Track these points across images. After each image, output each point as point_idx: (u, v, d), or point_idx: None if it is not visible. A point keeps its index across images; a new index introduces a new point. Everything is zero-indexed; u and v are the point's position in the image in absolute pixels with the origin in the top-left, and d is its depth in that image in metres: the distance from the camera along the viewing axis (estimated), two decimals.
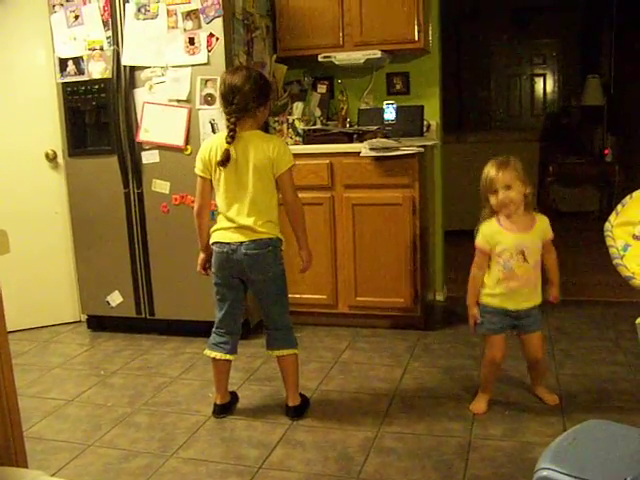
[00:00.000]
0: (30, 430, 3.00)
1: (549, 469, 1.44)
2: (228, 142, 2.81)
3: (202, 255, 3.05)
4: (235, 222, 2.88)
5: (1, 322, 1.48)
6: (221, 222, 2.93)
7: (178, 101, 3.96)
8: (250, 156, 2.84)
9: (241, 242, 2.87)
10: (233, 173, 2.86)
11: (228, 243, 2.89)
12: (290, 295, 3.12)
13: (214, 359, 3.07)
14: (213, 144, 2.90)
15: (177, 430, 2.98)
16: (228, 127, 2.82)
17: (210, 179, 2.92)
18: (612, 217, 1.30)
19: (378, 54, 4.29)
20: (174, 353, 3.98)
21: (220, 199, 2.91)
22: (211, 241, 2.97)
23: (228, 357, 3.06)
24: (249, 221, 2.86)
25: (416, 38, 4.26)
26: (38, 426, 3.08)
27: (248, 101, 2.81)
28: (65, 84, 4.15)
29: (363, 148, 3.94)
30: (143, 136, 4.05)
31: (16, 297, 4.36)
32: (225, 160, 2.82)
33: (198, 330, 4.08)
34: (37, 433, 2.99)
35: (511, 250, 2.86)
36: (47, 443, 2.90)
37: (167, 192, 4.07)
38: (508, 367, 3.53)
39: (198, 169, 2.94)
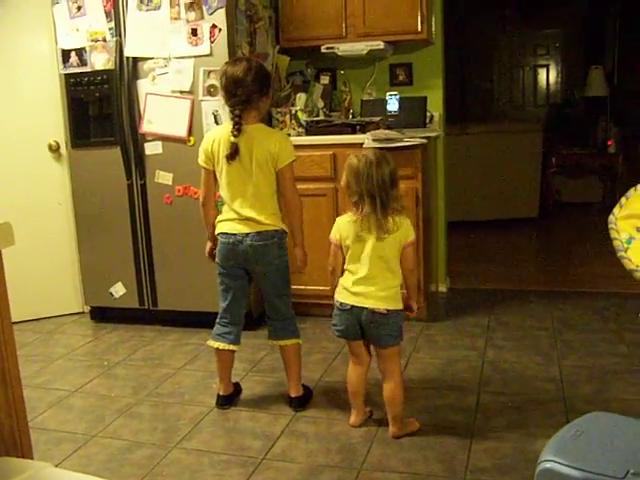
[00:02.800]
0: (34, 421, 3.01)
1: (552, 461, 1.44)
2: (235, 135, 2.81)
3: (209, 244, 3.06)
4: (240, 214, 2.88)
5: (6, 312, 1.48)
6: (226, 213, 2.94)
7: (181, 92, 3.95)
8: (253, 151, 2.84)
9: (247, 234, 2.88)
10: (236, 166, 2.86)
11: (234, 234, 2.90)
12: (294, 286, 3.13)
13: (217, 349, 3.07)
14: (216, 136, 2.90)
15: (180, 421, 2.99)
16: (233, 120, 2.82)
17: (213, 170, 2.93)
18: (616, 210, 1.29)
19: (381, 45, 4.28)
20: (177, 344, 3.99)
21: (224, 191, 2.92)
22: (217, 231, 2.98)
23: (232, 347, 3.07)
24: (253, 213, 2.87)
25: (419, 29, 4.25)
26: (42, 417, 3.09)
27: (251, 92, 2.81)
28: (68, 75, 4.15)
29: (366, 139, 3.93)
30: (146, 127, 4.04)
31: (20, 288, 4.36)
32: (233, 154, 2.82)
33: (201, 321, 4.09)
34: (41, 424, 3.01)
35: None
36: (51, 434, 2.91)
37: (170, 183, 4.07)
38: (510, 360, 3.54)
39: (201, 160, 2.95)
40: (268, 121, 4.28)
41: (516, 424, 2.82)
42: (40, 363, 3.76)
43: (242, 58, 3.06)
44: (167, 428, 2.93)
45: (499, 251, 6.11)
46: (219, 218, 2.98)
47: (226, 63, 2.94)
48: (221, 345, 3.06)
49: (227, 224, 2.93)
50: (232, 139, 2.81)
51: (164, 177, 4.07)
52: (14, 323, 1.53)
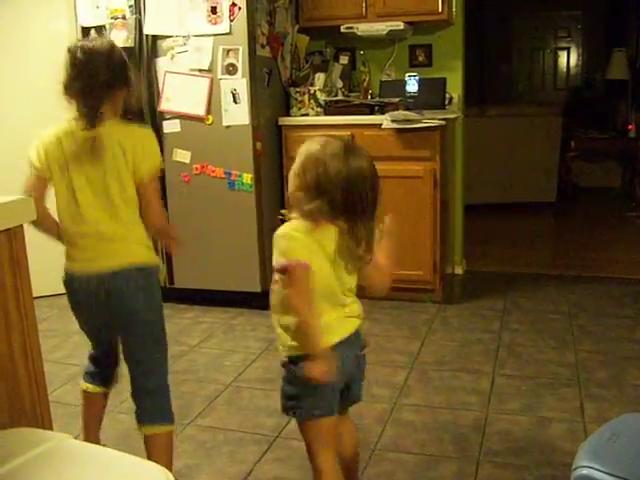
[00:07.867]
0: (52, 394, 3.03)
1: (589, 467, 1.39)
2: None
3: None
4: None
5: (27, 287, 1.50)
6: None
7: (200, 70, 3.94)
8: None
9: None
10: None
11: None
12: None
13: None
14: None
15: (195, 398, 3.02)
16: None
17: None
18: None
19: (401, 25, 4.24)
20: (193, 322, 4.01)
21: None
22: None
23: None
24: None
25: (440, 9, 4.20)
26: (60, 391, 3.13)
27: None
28: None
29: (385, 120, 3.92)
30: (164, 105, 4.04)
31: (37, 264, 4.40)
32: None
33: (217, 299, 4.11)
34: (58, 397, 3.04)
35: None
36: (68, 408, 2.94)
37: (188, 161, 4.07)
38: (524, 343, 3.53)
39: None
40: (286, 100, 4.30)
41: (530, 408, 2.82)
42: (57, 338, 3.80)
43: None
44: (182, 405, 2.95)
45: (516, 235, 6.09)
46: None
47: None
48: (89, 387, 2.57)
49: None
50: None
51: (182, 155, 4.07)
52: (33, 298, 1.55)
